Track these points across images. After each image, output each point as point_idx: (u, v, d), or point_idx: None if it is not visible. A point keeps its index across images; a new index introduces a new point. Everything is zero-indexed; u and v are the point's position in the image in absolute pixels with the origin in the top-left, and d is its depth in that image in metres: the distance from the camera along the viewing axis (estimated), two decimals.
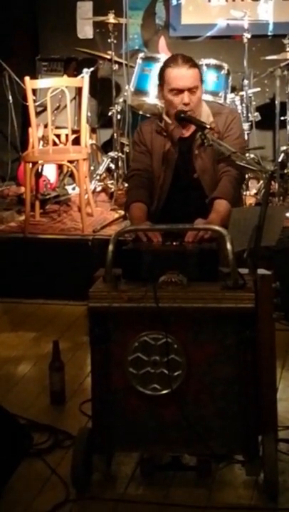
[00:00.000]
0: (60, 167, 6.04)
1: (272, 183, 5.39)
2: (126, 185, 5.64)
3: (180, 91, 3.41)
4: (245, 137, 5.42)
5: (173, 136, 3.52)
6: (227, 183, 3.44)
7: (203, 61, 5.62)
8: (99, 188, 6.11)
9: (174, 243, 3.02)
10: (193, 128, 3.46)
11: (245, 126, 5.59)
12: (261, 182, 5.50)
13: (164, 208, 3.53)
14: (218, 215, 3.33)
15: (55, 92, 5.59)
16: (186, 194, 3.52)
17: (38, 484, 2.91)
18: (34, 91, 5.69)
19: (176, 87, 3.41)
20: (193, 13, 6.55)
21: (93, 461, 2.88)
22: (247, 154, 4.88)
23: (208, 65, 5.66)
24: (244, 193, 5.13)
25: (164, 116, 3.54)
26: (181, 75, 3.41)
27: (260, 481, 2.85)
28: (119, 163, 5.89)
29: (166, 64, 3.49)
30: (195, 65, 3.47)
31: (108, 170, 6.08)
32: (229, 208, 3.32)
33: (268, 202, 2.93)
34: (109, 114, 5.99)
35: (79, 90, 5.79)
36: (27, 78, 5.46)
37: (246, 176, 5.19)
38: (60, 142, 6.01)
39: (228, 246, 2.75)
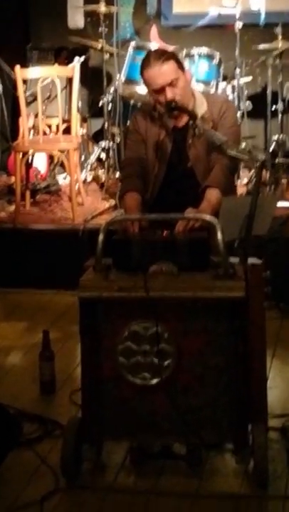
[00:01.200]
0: (50, 157, 6.01)
1: (263, 172, 5.40)
2: (117, 174, 5.65)
3: (161, 89, 3.40)
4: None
5: (167, 125, 3.51)
6: (219, 171, 3.43)
7: (195, 50, 5.61)
8: (90, 178, 6.09)
9: (165, 232, 3.01)
10: (187, 117, 3.45)
11: (237, 115, 5.57)
12: (252, 171, 5.49)
13: (158, 196, 3.52)
14: (209, 204, 3.33)
15: (46, 82, 5.56)
16: (180, 183, 3.51)
17: (27, 474, 2.91)
18: (25, 80, 5.66)
19: (156, 87, 3.41)
20: (184, 1, 6.53)
21: (83, 450, 2.88)
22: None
23: (199, 54, 5.64)
24: (234, 181, 5.12)
25: (158, 106, 3.52)
26: (156, 74, 3.39)
27: (250, 470, 2.85)
28: (110, 153, 5.87)
29: (142, 67, 3.49)
30: (168, 57, 3.43)
31: (99, 159, 6.06)
32: (220, 196, 3.32)
33: (258, 191, 2.92)
34: (100, 103, 5.97)
35: (70, 80, 5.75)
36: (17, 67, 5.42)
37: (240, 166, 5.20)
38: (51, 132, 5.98)
39: (219, 235, 2.74)
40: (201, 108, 3.47)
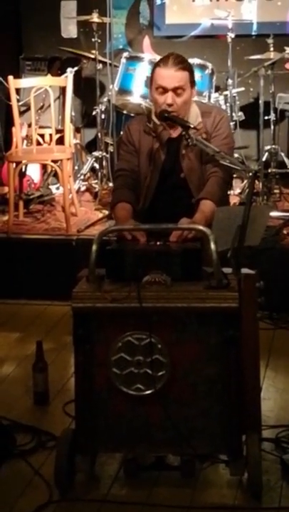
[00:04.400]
0: (44, 167, 6.01)
1: (256, 182, 5.41)
2: (110, 184, 5.65)
3: (165, 90, 3.40)
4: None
5: (161, 137, 3.51)
6: (214, 184, 3.43)
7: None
8: (83, 188, 6.10)
9: (158, 243, 3.02)
10: (180, 128, 3.46)
11: (230, 125, 5.59)
12: (245, 181, 5.51)
13: (151, 207, 3.52)
14: (202, 215, 3.33)
15: (39, 92, 5.57)
16: (173, 194, 3.51)
17: (20, 485, 2.90)
18: (18, 90, 5.66)
19: (161, 85, 3.41)
20: (177, 12, 6.56)
21: (76, 461, 2.86)
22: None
23: (192, 65, 5.65)
24: (228, 193, 5.13)
25: (153, 117, 3.53)
26: (167, 75, 3.40)
27: (244, 481, 2.85)
28: (104, 163, 5.88)
29: (158, 62, 3.49)
30: (185, 68, 3.43)
31: (92, 169, 6.07)
32: (214, 208, 3.32)
33: (251, 201, 2.93)
34: (94, 113, 5.98)
35: (63, 90, 5.77)
36: (10, 77, 5.43)
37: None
38: (44, 142, 5.98)
39: (212, 245, 2.75)
40: (195, 119, 3.48)
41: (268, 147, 5.74)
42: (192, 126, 3.30)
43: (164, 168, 3.51)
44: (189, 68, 3.48)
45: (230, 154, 3.46)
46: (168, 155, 3.51)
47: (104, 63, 5.81)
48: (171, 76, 3.39)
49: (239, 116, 5.80)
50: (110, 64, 5.49)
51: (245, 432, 2.84)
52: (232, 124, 5.68)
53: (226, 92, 5.82)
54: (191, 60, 5.58)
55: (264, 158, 5.71)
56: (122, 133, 5.50)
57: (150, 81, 3.51)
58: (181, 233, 3.12)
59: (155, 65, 3.50)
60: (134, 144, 3.55)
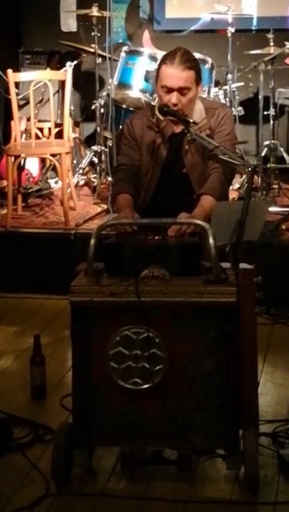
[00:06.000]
0: (42, 161, 6.00)
1: (255, 177, 5.41)
2: (109, 179, 5.64)
3: (170, 89, 3.38)
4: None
5: (164, 132, 3.50)
6: (215, 180, 3.42)
7: None
8: (82, 182, 6.09)
9: (156, 237, 3.01)
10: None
11: (233, 121, 5.58)
12: (244, 176, 5.50)
13: (152, 202, 3.51)
14: (202, 210, 3.32)
15: (38, 85, 5.55)
16: (174, 189, 3.50)
17: (18, 479, 2.90)
18: (17, 84, 5.65)
19: (166, 85, 3.37)
20: (177, 7, 6.54)
21: (74, 455, 2.86)
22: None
23: None
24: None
25: (157, 112, 3.51)
26: (173, 75, 3.35)
27: (241, 475, 2.85)
28: (103, 157, 5.86)
29: (164, 59, 3.43)
30: (192, 67, 3.39)
31: (91, 164, 6.06)
32: (215, 204, 3.31)
33: (250, 196, 2.92)
34: (93, 107, 5.97)
35: (62, 84, 5.76)
36: (10, 71, 5.42)
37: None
38: (43, 136, 5.97)
39: (211, 240, 2.74)
40: (199, 115, 3.46)
41: (267, 142, 5.73)
42: (192, 120, 3.29)
43: (166, 163, 3.50)
44: (196, 66, 3.43)
45: (233, 150, 3.45)
46: (170, 150, 3.50)
47: (103, 57, 5.80)
48: (177, 76, 3.35)
49: (238, 111, 5.78)
50: (110, 58, 5.48)
51: (243, 427, 2.84)
52: None
53: (225, 87, 5.81)
54: None
55: (263, 153, 5.70)
56: (121, 127, 5.55)
57: (156, 76, 3.47)
58: (179, 228, 3.12)
59: (161, 62, 3.44)
60: (136, 138, 3.53)
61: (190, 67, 3.38)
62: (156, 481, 2.87)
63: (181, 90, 3.37)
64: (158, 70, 3.45)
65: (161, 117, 3.44)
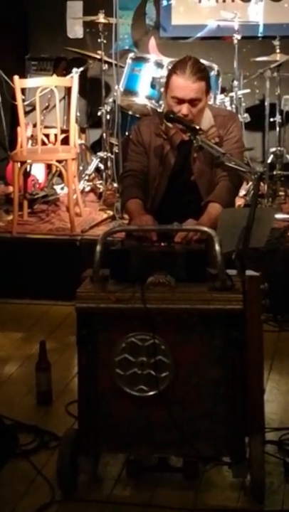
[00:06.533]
0: (48, 167, 6.01)
1: (261, 184, 5.41)
2: (115, 185, 5.64)
3: (181, 100, 3.37)
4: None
5: (173, 140, 3.49)
6: (223, 188, 3.42)
7: None
8: (88, 188, 6.09)
9: (163, 244, 3.01)
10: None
11: (242, 129, 5.58)
12: (250, 183, 5.50)
13: (159, 209, 3.51)
14: (208, 217, 3.32)
15: (44, 92, 5.56)
16: (182, 197, 3.50)
17: (23, 485, 2.89)
18: (23, 90, 5.67)
19: (177, 96, 3.36)
20: (183, 13, 6.55)
21: (79, 462, 2.86)
22: None
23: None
24: None
25: (165, 122, 3.50)
26: (185, 87, 3.34)
27: (247, 483, 2.84)
28: (108, 164, 5.87)
29: (175, 69, 3.41)
30: (202, 77, 3.38)
31: (97, 170, 6.06)
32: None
33: (256, 203, 2.92)
34: (99, 114, 5.98)
35: (68, 90, 5.77)
36: (16, 77, 5.43)
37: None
38: (49, 142, 5.98)
39: (217, 247, 2.74)
40: (208, 123, 3.46)
41: (274, 149, 5.73)
42: (198, 127, 3.29)
43: (174, 170, 3.50)
44: (206, 77, 3.42)
45: (240, 158, 3.45)
46: (179, 157, 3.50)
47: (110, 64, 5.81)
48: (188, 88, 3.34)
49: (245, 117, 5.78)
50: (116, 64, 5.49)
51: (249, 434, 2.83)
52: None
53: (231, 94, 5.81)
54: None
55: (269, 160, 5.70)
56: (127, 133, 5.56)
57: (165, 85, 3.46)
58: (186, 234, 3.12)
59: (172, 71, 3.42)
60: (144, 144, 3.53)
61: (201, 78, 3.37)
62: (161, 488, 2.87)
63: (192, 101, 3.36)
64: (168, 79, 3.43)
65: (171, 125, 3.44)
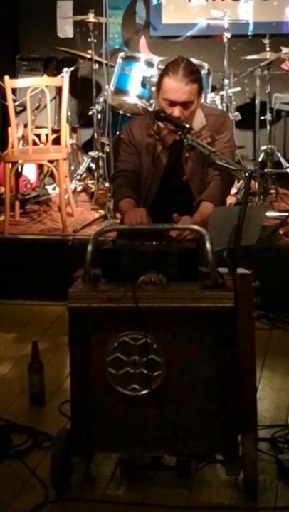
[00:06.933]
0: (40, 167, 6.01)
1: (252, 182, 5.41)
2: (107, 184, 5.64)
3: (173, 103, 3.36)
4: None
5: (165, 140, 3.49)
6: (215, 187, 3.42)
7: None
8: (79, 188, 6.09)
9: (154, 243, 3.01)
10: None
11: (233, 128, 5.59)
12: (241, 181, 5.50)
13: (151, 209, 3.51)
14: (201, 216, 3.32)
15: (35, 92, 5.56)
16: (174, 196, 3.50)
17: (16, 485, 2.89)
18: (14, 90, 5.66)
19: (170, 99, 3.36)
20: (173, 12, 6.56)
21: (72, 462, 2.86)
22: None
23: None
24: None
25: (157, 122, 3.50)
26: (177, 89, 3.33)
27: (240, 481, 2.85)
28: (100, 163, 5.87)
29: (167, 70, 3.39)
30: (195, 80, 3.37)
31: (89, 170, 6.06)
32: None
33: (247, 201, 2.92)
34: (90, 113, 5.98)
35: (59, 90, 5.77)
36: (6, 77, 5.43)
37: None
38: (40, 142, 5.98)
39: (208, 245, 2.75)
40: (200, 122, 3.46)
41: (264, 147, 5.74)
42: (188, 126, 3.29)
43: (166, 170, 3.49)
44: (199, 78, 3.41)
45: (232, 157, 3.45)
46: (171, 157, 3.50)
47: (100, 63, 5.81)
48: (180, 91, 3.33)
49: (235, 116, 5.80)
50: (106, 64, 5.49)
51: (241, 432, 2.84)
52: None
53: (222, 92, 5.82)
54: None
55: (260, 159, 5.71)
56: (118, 133, 5.55)
57: (157, 86, 3.44)
58: (181, 231, 3.12)
59: (164, 73, 3.40)
60: (135, 144, 3.52)
61: (193, 81, 3.36)
62: (155, 487, 2.87)
63: (185, 104, 3.36)
64: (160, 80, 3.42)
65: (162, 125, 3.44)
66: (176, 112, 3.34)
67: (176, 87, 3.34)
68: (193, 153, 3.40)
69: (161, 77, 3.43)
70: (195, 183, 3.47)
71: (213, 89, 5.96)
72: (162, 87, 3.39)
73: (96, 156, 5.90)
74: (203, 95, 3.58)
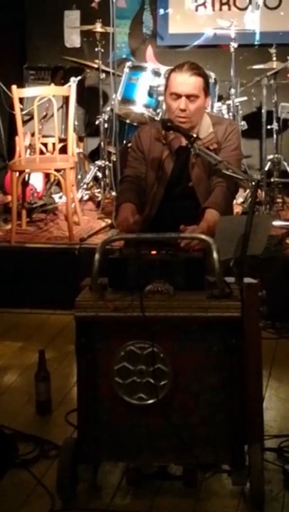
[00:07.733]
0: (47, 176, 6.03)
1: (259, 191, 5.42)
2: (113, 193, 5.65)
3: (179, 96, 3.43)
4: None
5: (172, 145, 3.52)
6: (219, 193, 3.44)
7: None
8: (86, 197, 6.11)
9: (161, 252, 3.01)
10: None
11: (240, 138, 5.60)
12: (248, 191, 5.51)
13: (157, 215, 3.52)
14: (206, 224, 3.33)
15: (42, 101, 5.59)
16: (180, 203, 3.52)
17: (23, 495, 2.89)
18: (21, 99, 5.69)
19: (175, 92, 3.44)
20: (180, 22, 6.58)
21: (79, 471, 2.86)
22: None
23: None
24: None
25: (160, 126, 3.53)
26: (182, 81, 3.43)
27: (247, 491, 2.84)
28: (106, 172, 5.88)
29: (173, 69, 3.53)
30: (200, 74, 3.47)
31: (95, 179, 6.08)
32: (219, 218, 3.32)
33: (254, 211, 2.93)
34: (97, 122, 6.00)
35: (66, 99, 5.79)
36: (14, 87, 5.45)
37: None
38: (47, 151, 6.00)
39: (215, 255, 2.75)
40: (207, 129, 3.49)
41: (271, 156, 5.74)
42: (195, 135, 3.31)
43: (173, 176, 3.52)
44: (204, 75, 3.51)
45: (238, 166, 3.48)
46: (177, 163, 3.52)
47: (107, 73, 5.84)
48: (185, 82, 3.42)
49: (242, 125, 5.80)
50: (113, 73, 5.51)
51: (248, 442, 2.84)
52: None
53: (228, 102, 5.83)
54: None
55: (267, 168, 5.72)
56: (125, 142, 5.57)
57: (164, 88, 3.55)
58: (190, 241, 3.13)
59: (171, 71, 3.53)
60: (142, 151, 3.56)
61: (198, 74, 3.46)
62: (161, 496, 2.87)
63: (190, 97, 3.42)
64: (167, 80, 3.53)
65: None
66: (182, 104, 3.41)
67: (182, 78, 3.44)
68: (199, 159, 3.43)
69: (167, 77, 3.55)
70: (201, 190, 3.49)
71: (220, 98, 5.97)
72: (169, 83, 3.50)
73: (103, 165, 5.92)
74: (209, 101, 3.62)
